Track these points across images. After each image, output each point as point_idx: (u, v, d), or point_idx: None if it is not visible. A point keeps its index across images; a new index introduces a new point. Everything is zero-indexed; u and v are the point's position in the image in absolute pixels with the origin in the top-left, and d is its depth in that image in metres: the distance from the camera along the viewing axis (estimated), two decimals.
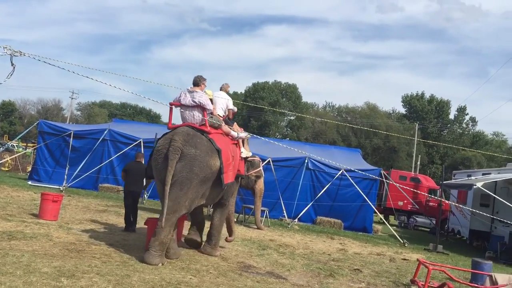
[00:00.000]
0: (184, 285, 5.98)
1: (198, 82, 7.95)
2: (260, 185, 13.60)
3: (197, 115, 7.78)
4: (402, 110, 68.51)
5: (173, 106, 7.99)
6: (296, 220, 15.88)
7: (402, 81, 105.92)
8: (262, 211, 14.66)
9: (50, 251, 6.88)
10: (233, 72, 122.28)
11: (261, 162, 14.02)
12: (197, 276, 6.62)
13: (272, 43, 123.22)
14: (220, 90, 9.35)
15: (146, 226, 8.09)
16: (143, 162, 10.68)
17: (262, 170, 14.08)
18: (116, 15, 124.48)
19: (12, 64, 7.03)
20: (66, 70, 8.02)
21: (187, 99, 7.72)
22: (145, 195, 16.64)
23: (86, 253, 7.12)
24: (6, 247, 6.72)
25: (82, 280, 5.51)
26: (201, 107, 7.72)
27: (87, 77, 8.12)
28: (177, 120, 8.40)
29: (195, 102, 7.68)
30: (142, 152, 13.20)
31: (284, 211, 16.51)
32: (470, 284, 8.38)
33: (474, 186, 14.24)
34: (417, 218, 23.20)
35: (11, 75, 7.08)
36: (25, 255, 6.32)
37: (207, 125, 7.78)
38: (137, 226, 10.33)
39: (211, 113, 8.17)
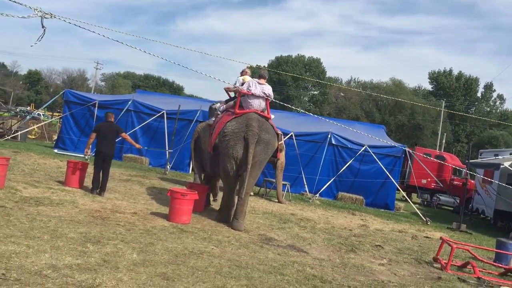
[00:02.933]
0: (206, 254, 6.03)
1: (265, 75, 9.31)
2: (281, 158, 13.67)
3: (263, 104, 9.10)
4: (429, 87, 67.19)
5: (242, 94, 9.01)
6: (318, 195, 15.85)
7: (428, 57, 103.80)
8: (284, 185, 14.65)
9: (76, 218, 7.02)
10: (256, 45, 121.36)
11: (282, 136, 14.01)
12: (219, 246, 6.68)
13: (296, 16, 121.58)
14: (242, 74, 10.19)
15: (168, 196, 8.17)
16: (113, 122, 10.35)
17: (284, 144, 14.10)
18: None
19: (43, 27, 6.99)
20: (97, 33, 8.02)
21: (257, 90, 8.97)
22: (167, 166, 16.79)
23: (110, 220, 7.24)
24: (33, 212, 6.88)
25: (107, 246, 5.61)
26: (265, 97, 9.05)
27: (117, 41, 8.10)
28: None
29: (264, 93, 9.04)
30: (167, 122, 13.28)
31: (306, 186, 16.48)
32: (494, 263, 8.26)
33: (502, 166, 13.93)
34: (440, 197, 22.92)
35: (42, 37, 7.05)
36: (52, 221, 6.46)
37: (269, 112, 9.24)
38: (160, 196, 10.43)
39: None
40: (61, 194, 8.80)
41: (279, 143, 13.14)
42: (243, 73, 10.32)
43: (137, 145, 11.49)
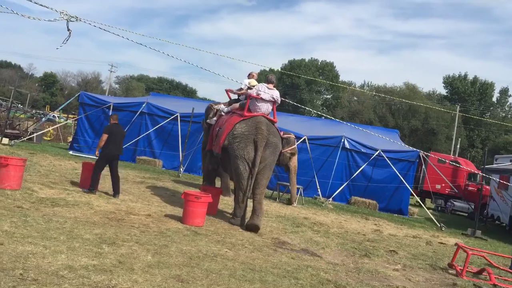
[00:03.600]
0: (220, 257, 6.04)
1: (273, 80, 9.56)
2: (294, 162, 13.89)
3: (270, 108, 9.44)
4: (443, 92, 66.61)
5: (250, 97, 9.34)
6: (331, 199, 15.78)
7: (443, 62, 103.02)
8: (297, 189, 14.64)
9: (91, 219, 7.08)
10: (269, 49, 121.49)
11: (295, 140, 14.02)
12: (232, 249, 6.68)
13: (310, 20, 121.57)
14: (249, 78, 10.36)
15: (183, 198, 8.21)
16: (119, 123, 10.39)
17: (296, 148, 14.13)
18: None
19: (68, 30, 7.09)
20: (121, 36, 8.13)
21: (267, 95, 9.26)
22: (181, 169, 16.86)
23: (125, 222, 7.29)
24: (49, 213, 6.96)
25: (122, 248, 5.65)
26: (273, 102, 9.40)
27: (140, 44, 8.19)
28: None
29: (273, 98, 9.34)
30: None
31: (319, 190, 16.41)
32: (510, 270, 8.15)
33: None
34: (455, 202, 22.67)
35: (67, 40, 7.15)
36: (68, 222, 6.53)
37: (275, 116, 9.60)
38: (173, 198, 10.48)
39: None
40: (76, 195, 8.88)
41: (292, 147, 13.31)
42: (249, 76, 10.53)
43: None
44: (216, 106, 10.88)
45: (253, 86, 9.76)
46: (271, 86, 9.40)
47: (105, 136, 9.79)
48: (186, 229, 7.50)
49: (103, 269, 4.73)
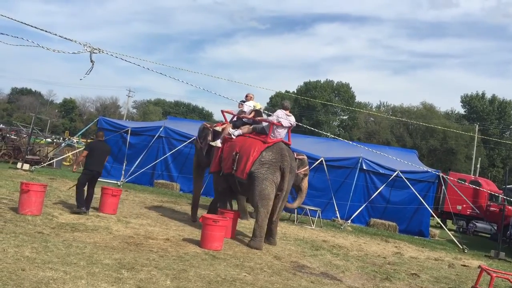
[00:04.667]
0: (239, 282, 6.00)
1: (289, 107, 10.10)
2: (306, 183, 13.75)
3: (286, 132, 10.01)
4: (461, 111, 65.96)
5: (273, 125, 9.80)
6: (349, 221, 15.61)
7: (460, 80, 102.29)
8: (315, 211, 14.53)
9: (110, 244, 7.12)
10: (284, 71, 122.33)
11: (308, 161, 14.09)
12: (251, 273, 6.63)
13: (324, 42, 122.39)
14: (247, 99, 10.98)
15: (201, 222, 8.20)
16: (103, 140, 10.45)
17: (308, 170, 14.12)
18: (170, 15, 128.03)
19: (92, 61, 7.28)
20: (141, 66, 8.32)
21: (286, 122, 9.78)
22: None
23: (144, 246, 7.30)
24: (69, 238, 7.01)
25: (142, 273, 5.65)
26: (289, 127, 9.95)
27: (167, 75, 8.35)
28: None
29: (291, 123, 9.90)
30: None
31: (337, 212, 16.26)
32: None
33: None
34: (476, 223, 22.17)
35: (90, 71, 7.34)
36: (88, 247, 6.57)
37: (290, 139, 10.24)
38: (191, 222, 10.46)
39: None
40: (96, 220, 8.95)
41: (304, 168, 13.32)
42: (247, 98, 11.04)
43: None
44: (217, 128, 10.84)
45: (259, 109, 10.50)
46: (287, 112, 9.94)
47: (85, 153, 9.87)
48: (205, 253, 7.48)
49: None
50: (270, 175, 9.15)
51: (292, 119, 9.96)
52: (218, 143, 10.46)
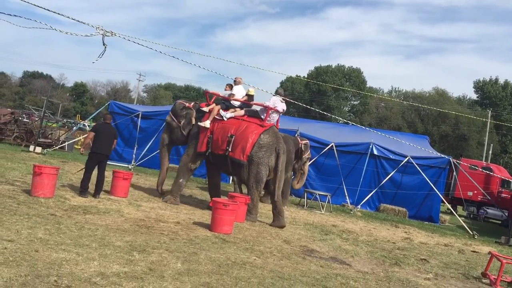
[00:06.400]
0: (249, 265, 6.04)
1: (283, 94, 10.83)
2: (307, 166, 14.55)
3: (277, 118, 10.70)
4: (474, 96, 65.19)
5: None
6: (359, 206, 15.61)
7: (473, 66, 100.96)
8: (324, 196, 14.55)
9: (122, 226, 7.20)
10: (295, 56, 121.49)
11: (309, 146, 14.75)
12: (261, 257, 6.67)
13: (336, 26, 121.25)
14: (236, 83, 11.17)
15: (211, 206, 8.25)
16: (110, 124, 10.19)
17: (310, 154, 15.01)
18: None
19: (104, 44, 7.29)
20: (154, 50, 8.34)
21: (281, 108, 10.47)
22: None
23: (155, 229, 7.38)
24: (81, 221, 7.10)
25: (153, 255, 5.71)
26: (280, 112, 10.61)
27: (179, 59, 8.35)
28: None
29: (284, 110, 10.66)
30: None
31: (347, 197, 16.26)
32: None
33: None
34: (487, 210, 22.07)
35: (103, 54, 7.36)
36: (99, 229, 6.65)
37: (278, 124, 10.81)
38: (201, 205, 10.53)
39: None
40: (107, 203, 9.04)
41: (308, 152, 14.24)
42: (236, 82, 11.21)
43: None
44: (204, 108, 10.89)
45: (252, 95, 10.87)
46: (281, 98, 10.61)
47: (91, 134, 9.71)
48: (215, 237, 7.53)
49: (134, 276, 4.79)
50: (266, 159, 9.86)
51: (284, 107, 10.62)
52: (207, 123, 10.54)
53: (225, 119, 10.49)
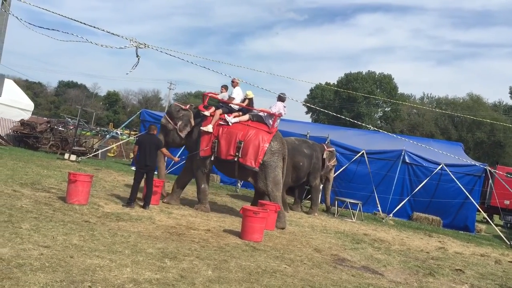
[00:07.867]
0: (279, 273, 6.01)
1: (285, 99, 11.18)
2: (332, 174, 15.19)
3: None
4: (510, 102, 63.30)
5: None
6: (391, 215, 15.34)
7: (508, 71, 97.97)
8: (355, 205, 14.36)
9: (154, 233, 7.28)
10: (324, 63, 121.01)
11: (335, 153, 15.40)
12: (291, 265, 6.63)
13: (365, 33, 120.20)
14: (234, 86, 11.25)
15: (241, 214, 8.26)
16: (155, 135, 10.05)
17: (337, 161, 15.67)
18: (210, 8, 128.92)
19: (137, 56, 7.44)
20: (185, 60, 8.50)
21: (283, 112, 10.84)
22: (238, 184, 17.01)
23: (185, 236, 7.43)
24: (114, 228, 7.23)
25: (184, 262, 5.76)
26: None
27: (209, 68, 8.48)
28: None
29: (284, 114, 11.03)
30: None
31: (378, 205, 15.99)
32: None
33: None
34: None
35: (136, 66, 7.51)
36: (132, 236, 6.74)
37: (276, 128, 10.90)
38: (231, 213, 10.56)
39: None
40: (139, 210, 9.18)
41: (333, 160, 14.87)
42: (234, 84, 11.26)
43: (175, 158, 11.21)
44: (206, 112, 10.85)
45: (251, 98, 10.92)
46: (284, 104, 10.97)
47: (135, 148, 9.84)
48: (245, 244, 7.54)
49: (166, 283, 4.84)
50: (279, 163, 10.36)
51: (285, 111, 11.06)
52: (210, 128, 10.55)
53: (230, 124, 10.52)
